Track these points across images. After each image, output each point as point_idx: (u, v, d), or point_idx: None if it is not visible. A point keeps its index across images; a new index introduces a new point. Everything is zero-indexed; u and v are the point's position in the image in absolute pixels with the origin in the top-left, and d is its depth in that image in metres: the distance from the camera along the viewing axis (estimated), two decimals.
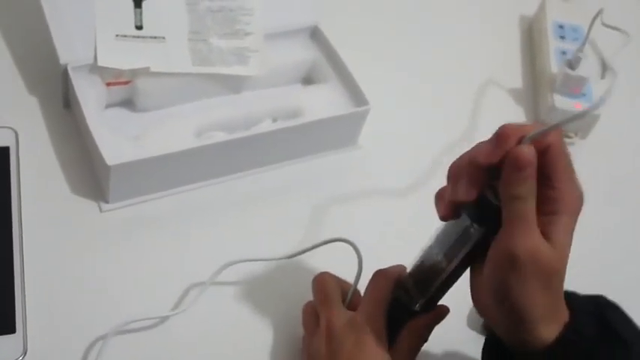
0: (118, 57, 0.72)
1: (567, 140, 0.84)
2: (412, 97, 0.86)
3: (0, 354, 0.57)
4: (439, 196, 0.55)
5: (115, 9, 0.73)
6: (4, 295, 0.60)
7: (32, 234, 0.64)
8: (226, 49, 0.76)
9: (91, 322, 0.62)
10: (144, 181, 0.69)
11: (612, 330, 0.54)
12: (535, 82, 0.91)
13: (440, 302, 0.60)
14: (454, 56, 0.92)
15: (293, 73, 0.81)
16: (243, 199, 0.73)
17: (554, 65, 0.87)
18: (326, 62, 0.80)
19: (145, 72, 0.73)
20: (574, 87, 0.83)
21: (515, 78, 0.92)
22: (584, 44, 0.84)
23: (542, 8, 0.94)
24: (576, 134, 0.85)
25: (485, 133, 0.52)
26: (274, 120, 0.75)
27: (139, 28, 0.74)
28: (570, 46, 0.88)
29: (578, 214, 0.53)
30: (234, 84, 0.77)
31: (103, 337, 0.61)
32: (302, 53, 0.80)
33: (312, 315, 0.62)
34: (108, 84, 0.73)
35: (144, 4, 0.74)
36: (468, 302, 0.56)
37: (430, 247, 0.58)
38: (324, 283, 0.62)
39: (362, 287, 0.62)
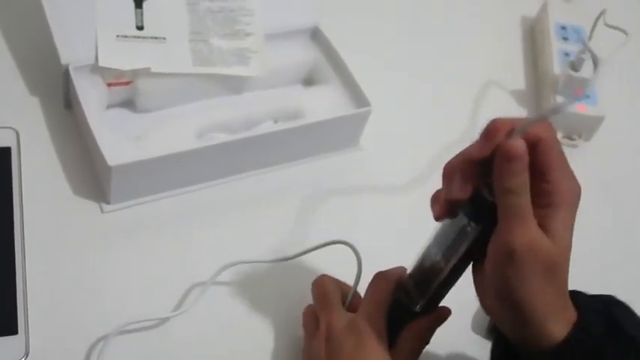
0: (118, 57, 0.72)
1: (571, 142, 0.84)
2: (412, 98, 0.86)
3: (2, 355, 0.57)
4: (435, 198, 0.55)
5: (115, 9, 0.73)
6: (7, 296, 0.60)
7: (34, 235, 0.64)
8: (227, 50, 0.76)
9: (91, 323, 0.62)
10: (145, 181, 0.69)
11: (620, 328, 0.53)
12: (537, 84, 0.90)
13: (443, 304, 0.59)
14: (454, 56, 0.92)
15: (294, 73, 0.81)
16: (245, 201, 0.73)
17: (556, 67, 0.87)
18: (326, 63, 0.80)
19: (146, 72, 0.73)
20: (577, 88, 0.83)
21: (517, 79, 0.92)
22: (586, 45, 0.83)
23: (544, 9, 0.94)
24: (580, 136, 0.84)
25: None
26: (275, 121, 0.75)
27: (140, 28, 0.74)
28: (573, 48, 0.87)
29: (575, 207, 0.53)
30: (234, 85, 0.77)
31: (104, 338, 0.61)
32: (302, 54, 0.80)
33: (312, 318, 0.61)
34: (109, 84, 0.73)
35: (144, 5, 0.74)
36: (472, 305, 0.56)
37: (429, 248, 0.58)
38: (323, 286, 0.62)
39: (362, 289, 0.62)
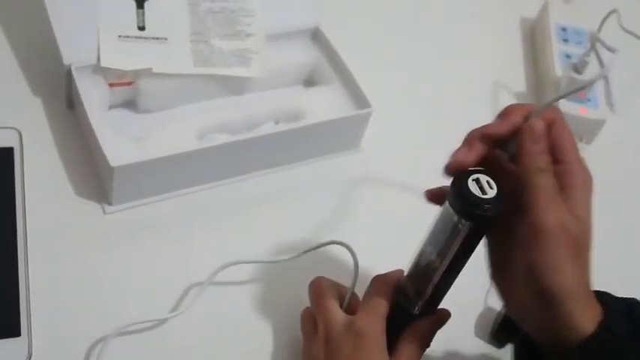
0: (120, 58, 0.72)
1: None
2: (412, 98, 0.86)
3: (5, 358, 0.57)
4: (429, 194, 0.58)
5: (117, 10, 0.73)
6: (10, 299, 0.60)
7: (36, 235, 0.65)
8: (227, 51, 0.76)
9: (92, 324, 0.62)
10: (147, 182, 0.69)
11: None
12: (538, 85, 0.90)
13: (443, 307, 0.59)
14: (454, 57, 0.92)
15: (294, 74, 0.81)
16: (246, 202, 0.73)
17: (558, 68, 0.86)
18: (327, 64, 0.80)
19: (148, 73, 0.73)
20: (579, 91, 0.82)
21: (517, 80, 0.92)
22: (590, 48, 0.82)
23: (544, 10, 0.94)
24: (581, 139, 0.84)
25: None
26: (276, 122, 0.75)
27: (142, 28, 0.74)
28: (573, 49, 0.87)
29: (590, 189, 0.54)
30: (235, 85, 0.77)
31: (103, 339, 0.61)
32: (303, 55, 0.81)
33: (310, 320, 0.61)
34: (111, 85, 0.73)
35: (146, 5, 0.74)
36: (475, 310, 0.56)
37: (424, 247, 0.58)
38: (320, 287, 0.62)
39: (360, 291, 0.62)
